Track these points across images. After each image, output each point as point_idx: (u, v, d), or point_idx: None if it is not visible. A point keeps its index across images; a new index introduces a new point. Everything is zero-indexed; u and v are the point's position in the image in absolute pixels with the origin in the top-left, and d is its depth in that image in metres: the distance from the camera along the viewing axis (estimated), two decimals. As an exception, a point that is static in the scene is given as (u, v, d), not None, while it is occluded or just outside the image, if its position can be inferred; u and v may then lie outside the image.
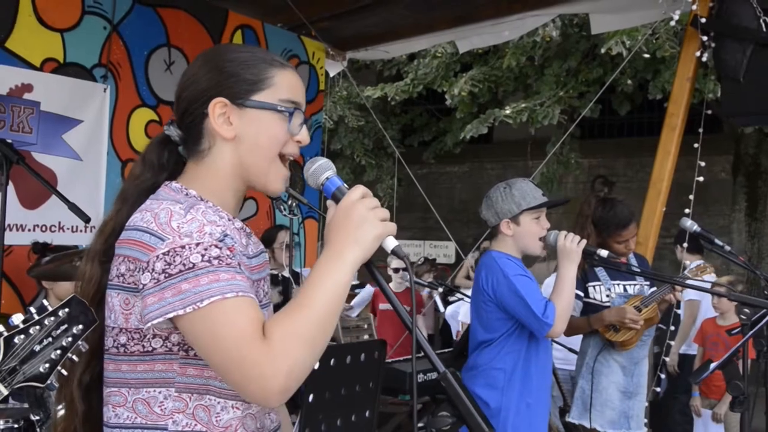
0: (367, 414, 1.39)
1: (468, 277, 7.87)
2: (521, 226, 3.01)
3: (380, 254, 1.48)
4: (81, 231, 4.38)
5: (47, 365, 1.47)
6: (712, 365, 2.78)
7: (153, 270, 1.32)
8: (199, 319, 1.30)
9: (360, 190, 1.43)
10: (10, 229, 4.07)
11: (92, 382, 1.52)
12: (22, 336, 1.45)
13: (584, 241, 2.97)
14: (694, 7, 4.28)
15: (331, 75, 6.60)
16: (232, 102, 1.47)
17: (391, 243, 1.40)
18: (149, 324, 1.34)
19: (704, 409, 5.69)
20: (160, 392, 1.40)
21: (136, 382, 1.42)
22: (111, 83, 4.60)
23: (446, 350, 4.56)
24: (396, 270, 6.85)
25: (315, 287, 1.34)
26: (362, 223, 1.38)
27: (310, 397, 1.28)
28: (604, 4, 5.24)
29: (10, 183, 4.02)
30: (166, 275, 1.31)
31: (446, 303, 7.12)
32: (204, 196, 1.48)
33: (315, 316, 1.32)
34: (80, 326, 1.48)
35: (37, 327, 1.46)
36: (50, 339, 1.46)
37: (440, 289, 4.85)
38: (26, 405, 3.05)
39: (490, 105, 9.17)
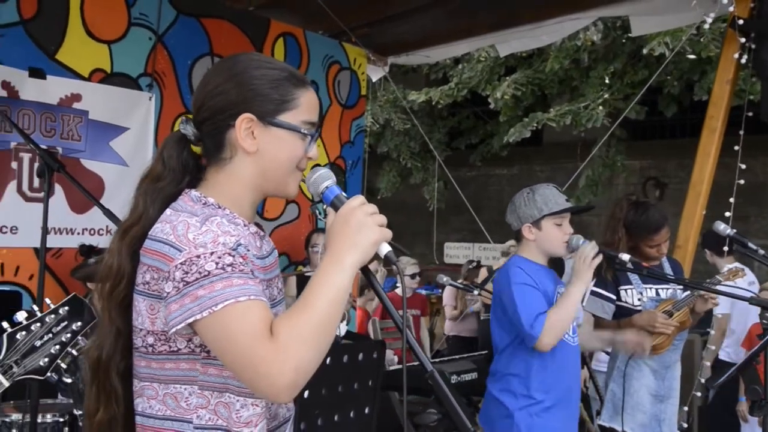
0: (366, 411, 1.45)
1: None
2: (543, 230, 3.03)
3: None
4: (127, 235, 4.53)
5: (47, 359, 1.58)
6: (731, 370, 2.76)
7: (173, 279, 1.42)
8: (214, 322, 1.39)
9: (359, 198, 1.51)
10: (60, 233, 4.27)
11: (127, 370, 1.60)
12: (24, 332, 1.56)
13: (598, 259, 2.97)
14: (731, 8, 4.23)
15: (374, 80, 6.70)
16: (258, 119, 1.55)
17: (384, 248, 1.47)
18: (173, 330, 1.44)
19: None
20: (185, 389, 1.50)
21: (164, 379, 1.52)
22: (156, 92, 4.76)
23: (482, 353, 4.60)
24: (413, 276, 7.08)
25: (317, 291, 1.43)
26: (360, 228, 1.46)
27: (305, 393, 1.35)
28: (643, 7, 5.21)
29: (61, 189, 4.23)
30: (185, 283, 1.41)
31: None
32: (222, 203, 1.56)
33: (317, 317, 1.40)
34: (79, 323, 1.58)
35: (38, 324, 1.57)
36: (50, 335, 1.57)
37: (476, 292, 4.87)
38: (71, 401, 3.21)
39: (536, 108, 9.15)
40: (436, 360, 4.33)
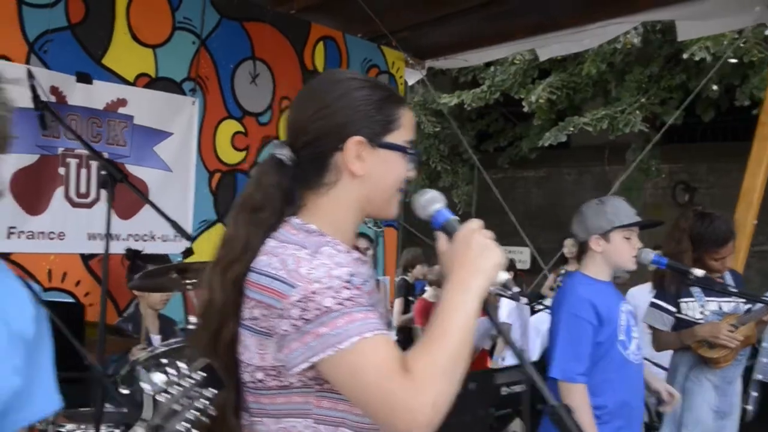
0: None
1: (552, 289, 7.79)
2: (611, 243, 2.93)
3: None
4: (171, 240, 4.51)
5: (188, 425, 1.55)
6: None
7: (290, 317, 1.36)
8: (341, 361, 1.33)
9: (477, 221, 1.45)
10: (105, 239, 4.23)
11: (238, 406, 1.55)
12: (165, 396, 1.53)
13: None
14: (789, 13, 4.15)
15: (410, 83, 6.65)
16: (367, 141, 1.49)
17: (502, 275, 1.42)
18: (295, 370, 1.37)
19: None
20: (299, 422, 1.44)
21: (276, 413, 1.46)
22: (199, 96, 4.73)
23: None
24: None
25: (447, 319, 1.36)
26: (483, 251, 1.41)
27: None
28: (690, 11, 5.11)
29: (106, 194, 4.19)
30: (304, 321, 1.34)
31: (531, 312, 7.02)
32: (323, 229, 1.49)
33: (451, 347, 1.33)
34: (213, 390, 1.55)
35: (178, 388, 1.53)
36: (188, 400, 1.53)
37: (522, 300, 4.80)
38: (125, 410, 3.16)
39: (567, 111, 9.05)
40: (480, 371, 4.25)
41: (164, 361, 1.60)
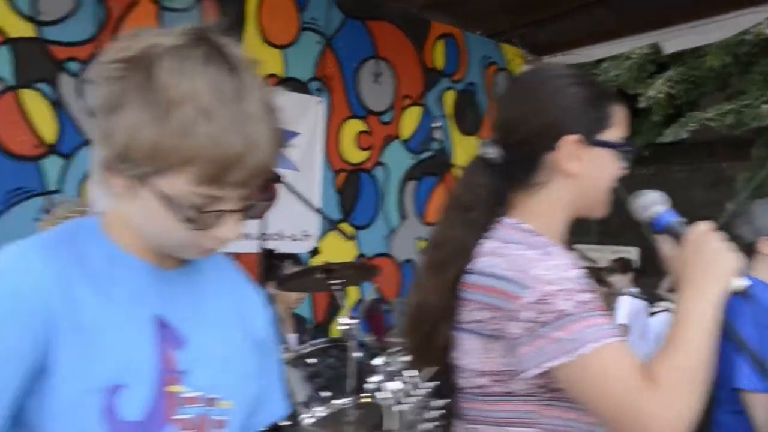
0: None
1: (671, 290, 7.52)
2: (785, 246, 2.76)
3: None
4: (299, 239, 4.56)
5: None
6: None
7: (522, 319, 1.30)
8: (578, 367, 1.27)
9: (706, 224, 1.38)
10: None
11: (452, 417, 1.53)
12: (401, 407, 1.53)
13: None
14: None
15: (526, 80, 6.52)
16: (583, 140, 1.43)
17: (738, 282, 1.33)
18: (525, 375, 1.32)
19: None
20: (524, 431, 1.38)
21: (497, 421, 1.41)
22: (325, 95, 4.76)
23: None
24: None
25: (686, 329, 1.30)
26: (716, 256, 1.34)
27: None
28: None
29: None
30: (539, 324, 1.28)
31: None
32: (538, 230, 1.43)
33: (693, 356, 1.28)
34: (443, 400, 1.53)
35: (411, 399, 1.53)
36: (422, 411, 1.53)
37: (661, 306, 4.63)
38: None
39: (685, 106, 8.72)
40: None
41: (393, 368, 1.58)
